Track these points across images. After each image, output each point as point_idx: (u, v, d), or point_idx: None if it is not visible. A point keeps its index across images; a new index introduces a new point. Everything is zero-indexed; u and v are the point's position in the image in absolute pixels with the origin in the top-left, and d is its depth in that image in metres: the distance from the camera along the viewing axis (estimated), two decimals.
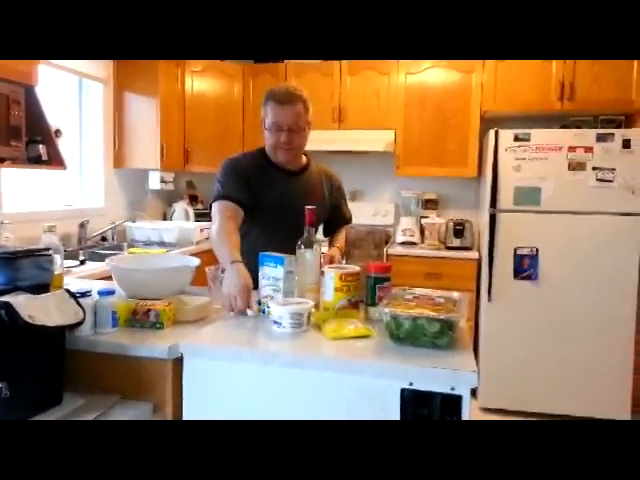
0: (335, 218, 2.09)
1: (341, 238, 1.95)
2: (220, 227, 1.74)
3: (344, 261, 1.80)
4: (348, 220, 2.13)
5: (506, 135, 3.03)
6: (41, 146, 2.38)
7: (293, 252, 1.59)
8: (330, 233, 2.14)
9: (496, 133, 3.04)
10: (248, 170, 1.92)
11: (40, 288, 1.33)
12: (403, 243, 3.54)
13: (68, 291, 1.29)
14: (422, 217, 3.66)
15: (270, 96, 1.87)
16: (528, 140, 3.01)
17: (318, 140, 3.66)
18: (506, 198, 3.05)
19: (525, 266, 3.03)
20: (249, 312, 1.52)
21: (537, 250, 3.02)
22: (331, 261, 1.80)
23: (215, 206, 1.84)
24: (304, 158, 2.03)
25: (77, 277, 2.24)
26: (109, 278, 1.90)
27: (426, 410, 1.16)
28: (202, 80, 3.69)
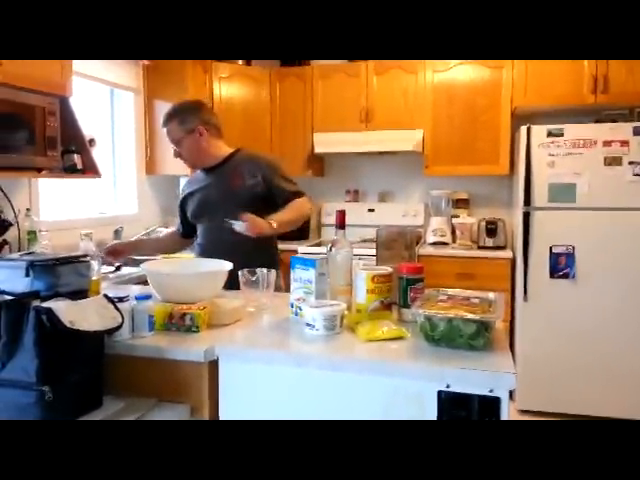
0: (274, 196, 2.10)
1: (281, 211, 2.02)
2: None
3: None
4: (292, 194, 2.11)
5: (539, 131, 2.97)
6: (76, 155, 2.45)
7: (223, 238, 1.97)
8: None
9: (528, 129, 2.98)
10: (183, 187, 2.39)
11: (79, 294, 1.36)
12: (434, 243, 3.50)
13: (106, 296, 1.32)
14: (453, 217, 3.61)
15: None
16: (561, 135, 2.94)
17: (345, 142, 3.68)
18: (540, 195, 2.98)
19: (561, 264, 2.96)
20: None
21: (573, 248, 2.95)
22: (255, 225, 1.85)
23: None
24: (225, 151, 2.19)
25: (113, 282, 2.29)
26: (145, 283, 1.93)
27: (464, 412, 1.14)
28: (230, 86, 3.73)
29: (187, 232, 2.31)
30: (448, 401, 1.14)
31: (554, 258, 2.97)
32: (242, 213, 1.90)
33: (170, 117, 2.14)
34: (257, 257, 1.90)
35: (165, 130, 2.16)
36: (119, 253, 2.14)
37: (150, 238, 2.59)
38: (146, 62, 3.41)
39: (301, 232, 3.90)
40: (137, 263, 2.63)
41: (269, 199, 2.09)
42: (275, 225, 1.91)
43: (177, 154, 2.17)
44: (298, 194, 2.13)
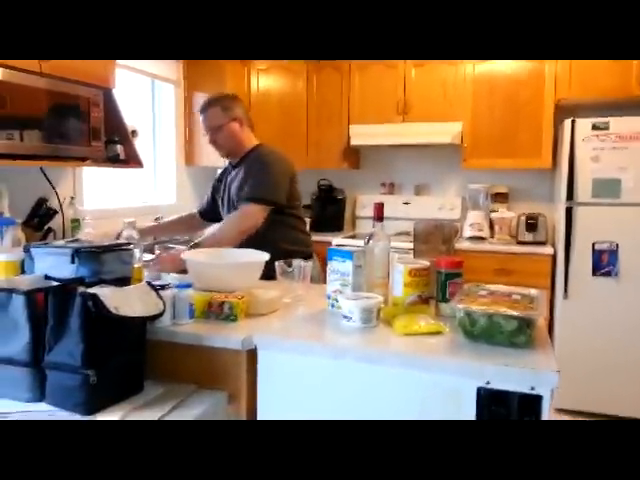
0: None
1: (212, 232, 2.07)
2: None
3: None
4: (243, 199, 2.04)
5: (583, 124, 2.88)
6: (119, 146, 2.50)
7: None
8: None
9: (573, 122, 2.89)
10: (216, 175, 2.43)
11: (122, 281, 1.40)
12: (471, 238, 3.44)
13: (149, 283, 1.35)
14: (491, 211, 3.54)
15: (198, 111, 2.22)
16: (607, 129, 2.84)
17: (382, 134, 3.65)
18: (584, 190, 2.89)
19: (604, 262, 2.87)
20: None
21: (617, 245, 2.86)
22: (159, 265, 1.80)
23: None
24: (247, 147, 2.19)
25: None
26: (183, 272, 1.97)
27: (503, 410, 1.12)
28: (267, 78, 3.75)
29: (208, 214, 2.40)
30: (487, 398, 1.13)
31: (597, 255, 2.89)
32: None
33: (211, 103, 2.16)
34: (288, 249, 1.97)
35: (203, 116, 2.17)
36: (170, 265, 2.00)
37: (169, 221, 2.60)
38: None
39: (335, 224, 3.91)
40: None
41: None
42: (198, 247, 1.90)
43: (213, 143, 2.20)
44: (249, 200, 2.01)
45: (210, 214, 2.40)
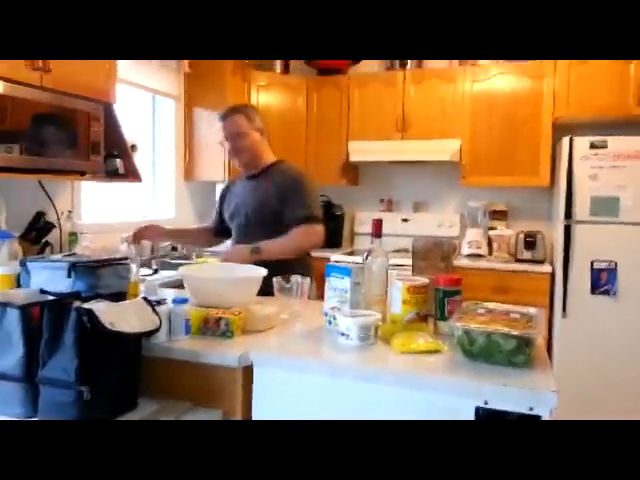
0: (283, 215, 2.04)
1: (276, 239, 2.00)
2: None
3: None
4: (300, 219, 2.01)
5: (581, 142, 2.89)
6: (118, 160, 2.50)
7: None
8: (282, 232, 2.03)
9: (571, 140, 2.91)
10: (222, 189, 2.40)
11: (118, 296, 1.39)
12: (469, 255, 3.44)
13: (145, 299, 1.34)
14: (490, 228, 3.54)
15: (219, 118, 2.18)
16: (605, 147, 2.86)
17: (380, 151, 3.67)
18: (582, 209, 2.90)
19: (603, 280, 2.86)
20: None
21: (616, 264, 2.85)
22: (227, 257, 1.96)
23: None
24: (270, 160, 2.20)
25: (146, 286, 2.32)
26: (180, 287, 1.96)
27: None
28: (267, 94, 3.77)
29: (218, 231, 2.36)
30: (486, 418, 1.11)
31: (595, 274, 2.88)
32: (263, 224, 2.04)
33: (236, 110, 2.15)
34: (290, 265, 1.92)
35: (226, 122, 2.13)
36: (148, 235, 2.26)
37: (185, 229, 2.72)
38: (187, 69, 3.47)
39: (334, 240, 3.90)
40: (174, 267, 2.67)
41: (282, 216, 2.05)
42: (259, 252, 1.94)
43: (234, 150, 2.15)
44: (308, 220, 2.02)
45: (219, 230, 2.36)
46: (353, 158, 3.71)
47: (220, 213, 2.33)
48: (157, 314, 1.31)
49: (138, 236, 2.17)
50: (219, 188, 3.70)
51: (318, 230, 2.06)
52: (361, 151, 3.69)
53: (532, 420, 1.08)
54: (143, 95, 3.37)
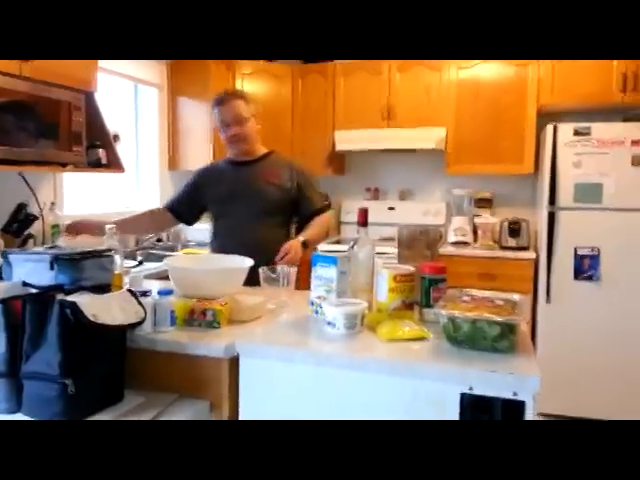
0: (302, 206, 2.16)
1: (310, 228, 2.10)
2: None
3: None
4: (318, 209, 2.17)
5: (565, 129, 2.91)
6: (101, 150, 2.47)
7: (248, 234, 2.03)
8: (303, 223, 2.18)
9: (555, 128, 2.93)
10: (200, 174, 2.28)
11: (102, 288, 1.37)
12: (455, 243, 3.46)
13: (130, 290, 1.33)
14: (475, 216, 3.57)
15: (214, 103, 2.13)
16: (588, 134, 2.88)
17: (367, 139, 3.66)
18: (566, 195, 2.93)
19: (586, 266, 2.90)
20: None
21: (599, 250, 2.89)
22: (287, 252, 1.93)
23: None
24: (263, 149, 2.20)
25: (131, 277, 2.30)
26: (165, 278, 1.94)
27: (486, 416, 1.12)
28: (252, 82, 3.73)
29: (185, 217, 2.29)
30: (471, 404, 1.13)
31: (578, 260, 2.92)
32: (266, 213, 2.07)
33: (237, 95, 2.15)
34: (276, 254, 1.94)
35: (227, 106, 2.08)
36: (79, 231, 2.19)
37: (134, 217, 2.39)
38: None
39: None
40: (158, 258, 2.66)
41: (296, 207, 2.15)
42: (308, 245, 2.03)
43: (235, 136, 2.10)
44: (324, 208, 2.19)
45: (186, 215, 2.29)
46: (339, 147, 3.70)
47: (189, 195, 2.24)
48: (142, 306, 1.30)
49: (72, 230, 2.19)
50: None
51: (331, 216, 2.25)
52: (347, 140, 3.68)
53: (516, 405, 1.10)
54: (125, 84, 3.32)
